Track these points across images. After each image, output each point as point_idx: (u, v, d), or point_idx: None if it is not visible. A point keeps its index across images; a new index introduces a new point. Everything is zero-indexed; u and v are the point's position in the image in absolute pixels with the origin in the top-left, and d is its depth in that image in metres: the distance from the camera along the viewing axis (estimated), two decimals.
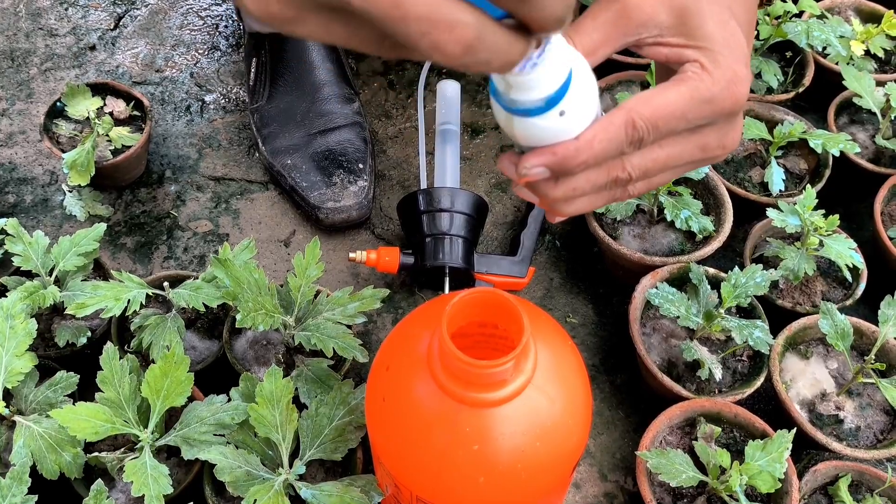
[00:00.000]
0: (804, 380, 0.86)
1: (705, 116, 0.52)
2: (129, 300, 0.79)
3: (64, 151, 0.97)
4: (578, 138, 0.49)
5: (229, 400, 0.77)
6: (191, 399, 0.78)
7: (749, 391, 0.83)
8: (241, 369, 0.83)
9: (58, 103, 1.01)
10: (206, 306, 0.87)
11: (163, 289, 0.83)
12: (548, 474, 0.65)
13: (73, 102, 1.01)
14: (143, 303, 0.80)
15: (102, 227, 0.85)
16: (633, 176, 0.53)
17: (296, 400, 0.80)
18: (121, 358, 0.76)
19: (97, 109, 1.01)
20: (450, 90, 1.05)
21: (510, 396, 0.62)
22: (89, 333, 0.85)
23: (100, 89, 1.03)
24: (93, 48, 1.18)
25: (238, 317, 0.75)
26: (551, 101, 0.45)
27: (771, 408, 0.87)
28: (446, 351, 0.59)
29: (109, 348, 0.76)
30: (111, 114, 1.01)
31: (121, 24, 1.22)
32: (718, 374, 0.84)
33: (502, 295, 0.61)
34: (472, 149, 1.11)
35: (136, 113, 1.03)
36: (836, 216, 0.88)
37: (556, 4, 0.36)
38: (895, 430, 0.82)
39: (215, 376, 0.84)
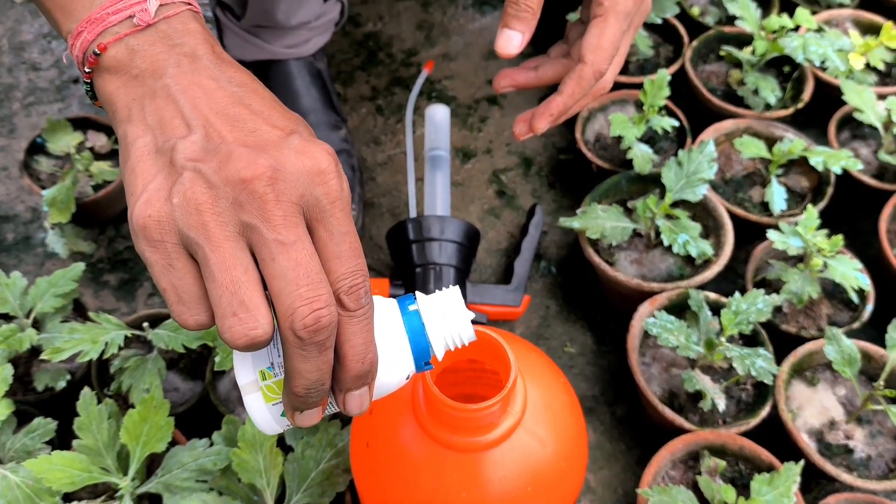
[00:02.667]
0: (811, 408, 0.82)
1: (630, 19, 0.72)
2: (106, 343, 0.76)
3: (44, 188, 0.95)
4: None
5: (212, 444, 0.74)
6: (173, 443, 0.76)
7: (754, 422, 0.80)
8: (224, 410, 0.80)
9: (38, 139, 0.99)
10: (187, 346, 0.85)
11: (143, 329, 0.80)
12: None
13: (54, 138, 0.99)
14: (122, 344, 0.77)
15: (81, 266, 0.82)
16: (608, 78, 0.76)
17: (281, 441, 0.77)
18: (99, 402, 0.73)
19: (78, 144, 0.98)
20: (439, 115, 1.03)
21: (499, 440, 0.59)
22: (69, 377, 0.82)
23: (81, 123, 1.01)
24: (76, 81, 1.16)
25: (217, 359, 0.72)
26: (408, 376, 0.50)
27: (778, 438, 0.84)
28: (430, 395, 0.56)
29: (87, 393, 0.73)
30: (92, 149, 0.99)
31: None
32: (722, 404, 0.80)
33: (488, 334, 0.58)
34: (464, 174, 1.08)
35: (117, 147, 1.01)
36: (840, 236, 0.85)
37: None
38: None
39: (199, 417, 0.81)
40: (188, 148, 0.43)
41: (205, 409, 0.82)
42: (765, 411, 0.81)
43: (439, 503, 0.59)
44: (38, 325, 0.82)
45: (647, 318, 0.81)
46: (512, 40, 0.70)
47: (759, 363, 0.78)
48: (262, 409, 0.47)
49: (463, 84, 1.17)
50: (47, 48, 1.20)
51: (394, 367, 0.48)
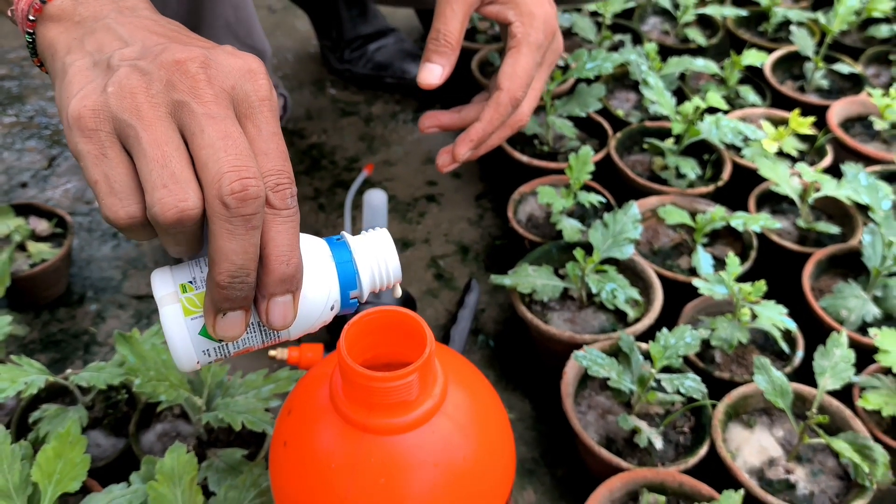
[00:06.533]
0: (750, 448, 0.81)
1: (543, 52, 0.79)
2: (26, 383, 0.74)
3: None
4: (470, 131, 0.78)
5: (129, 486, 0.71)
6: (88, 491, 0.72)
7: (693, 460, 0.79)
8: None
9: None
10: (114, 404, 0.83)
11: (66, 377, 0.78)
12: None
13: None
14: (42, 387, 0.75)
15: (7, 318, 0.81)
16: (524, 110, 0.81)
17: (206, 492, 0.74)
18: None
19: (17, 227, 1.00)
20: (376, 199, 1.06)
21: (418, 422, 0.57)
22: None
23: (24, 210, 1.03)
24: (24, 185, 1.19)
25: (137, 382, 0.71)
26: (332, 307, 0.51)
27: (718, 480, 0.82)
28: (346, 368, 0.55)
29: (0, 431, 0.70)
30: (33, 231, 1.00)
31: (54, 163, 1.23)
32: (658, 443, 0.79)
33: (403, 311, 0.58)
34: (403, 260, 1.10)
35: (58, 230, 1.02)
36: (763, 282, 0.87)
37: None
38: (851, 494, 0.77)
39: (119, 472, 0.78)
40: (125, 52, 0.46)
41: (126, 465, 0.78)
42: (703, 450, 0.79)
43: (357, 490, 0.57)
44: None
45: (577, 352, 0.81)
46: (433, 72, 0.74)
47: (688, 383, 0.78)
48: (180, 323, 0.46)
49: (403, 185, 1.22)
50: None
51: (318, 284, 0.48)
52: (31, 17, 0.51)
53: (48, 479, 0.68)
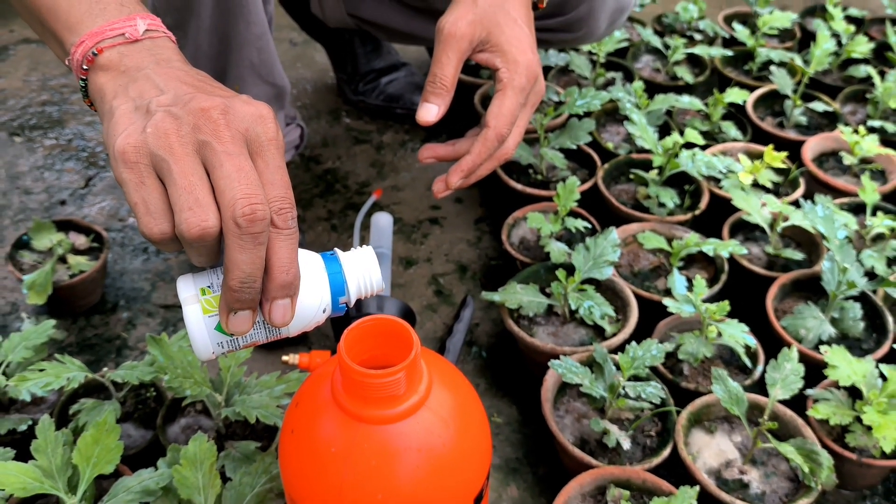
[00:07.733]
0: (710, 451, 0.90)
1: (526, 94, 0.88)
2: (68, 378, 0.85)
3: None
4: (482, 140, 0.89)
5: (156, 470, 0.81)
6: (120, 475, 0.82)
7: (657, 461, 0.88)
8: None
9: (24, 237, 1.11)
10: (143, 401, 0.93)
11: (102, 375, 0.89)
12: (444, 495, 0.68)
13: (38, 236, 1.11)
14: (82, 382, 0.85)
15: (51, 322, 0.92)
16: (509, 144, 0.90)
17: (224, 478, 0.84)
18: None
19: (59, 241, 1.11)
20: (383, 220, 1.17)
21: (405, 414, 0.67)
22: (30, 422, 0.90)
23: (64, 225, 1.14)
24: (63, 203, 1.31)
25: (166, 378, 0.81)
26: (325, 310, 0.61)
27: (680, 478, 0.91)
28: (344, 367, 0.65)
29: (45, 419, 0.80)
30: (73, 245, 1.11)
31: (90, 183, 1.35)
32: (626, 444, 0.88)
33: (395, 320, 0.68)
34: (406, 277, 1.21)
35: (95, 245, 1.13)
36: (726, 302, 0.96)
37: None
38: (798, 494, 0.86)
39: (148, 462, 0.88)
40: (161, 100, 0.57)
41: (154, 454, 0.88)
42: (667, 451, 0.89)
43: (352, 471, 0.66)
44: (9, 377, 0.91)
45: (554, 361, 0.91)
46: (430, 111, 0.85)
47: (649, 389, 0.87)
48: (200, 320, 0.57)
49: (408, 208, 1.32)
50: (40, 177, 1.36)
51: (313, 291, 0.59)
52: (85, 67, 0.62)
53: (86, 462, 0.79)
